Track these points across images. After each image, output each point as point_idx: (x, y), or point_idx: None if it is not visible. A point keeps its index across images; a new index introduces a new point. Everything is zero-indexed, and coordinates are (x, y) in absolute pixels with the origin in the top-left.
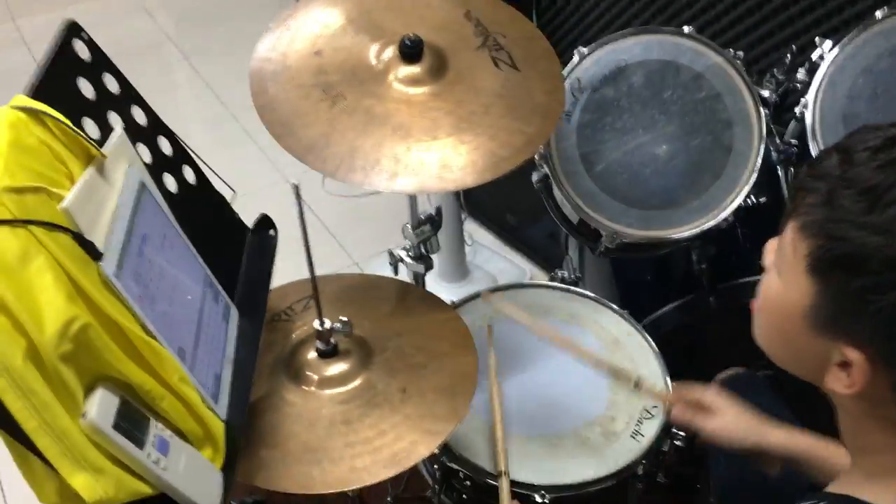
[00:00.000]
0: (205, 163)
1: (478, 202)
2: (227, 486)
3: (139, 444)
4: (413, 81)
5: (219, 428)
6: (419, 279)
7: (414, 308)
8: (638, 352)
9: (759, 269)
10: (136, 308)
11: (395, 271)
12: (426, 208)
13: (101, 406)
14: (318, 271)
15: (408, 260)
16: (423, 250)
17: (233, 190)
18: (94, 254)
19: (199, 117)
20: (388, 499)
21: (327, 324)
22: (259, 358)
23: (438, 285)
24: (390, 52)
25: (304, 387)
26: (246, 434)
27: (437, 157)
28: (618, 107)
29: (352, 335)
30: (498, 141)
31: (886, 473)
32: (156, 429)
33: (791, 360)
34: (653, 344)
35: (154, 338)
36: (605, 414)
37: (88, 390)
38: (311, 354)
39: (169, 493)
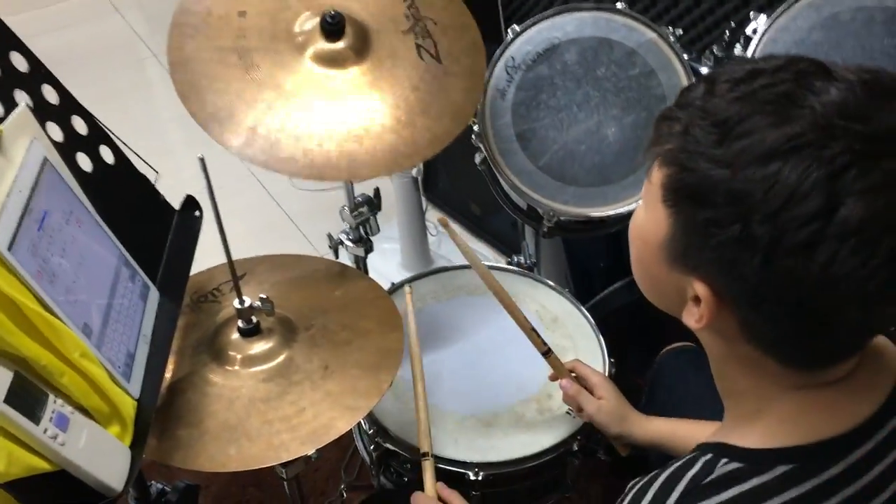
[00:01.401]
0: (125, 144)
1: (441, 191)
2: (134, 463)
3: (34, 419)
4: (330, 61)
5: (128, 405)
6: (360, 263)
7: (344, 287)
8: (577, 330)
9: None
10: (32, 283)
11: (336, 254)
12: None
13: None
14: None
15: (347, 243)
16: (362, 233)
17: (155, 171)
18: None
19: (170, 115)
20: (342, 486)
21: (248, 302)
22: (183, 339)
23: (402, 276)
24: (311, 24)
25: (226, 366)
26: (161, 413)
27: (336, 145)
28: (552, 84)
29: (274, 313)
30: (402, 138)
31: (752, 415)
32: (54, 405)
33: (655, 293)
34: (592, 322)
35: (53, 313)
36: (542, 391)
37: None
38: (234, 334)
39: (69, 470)
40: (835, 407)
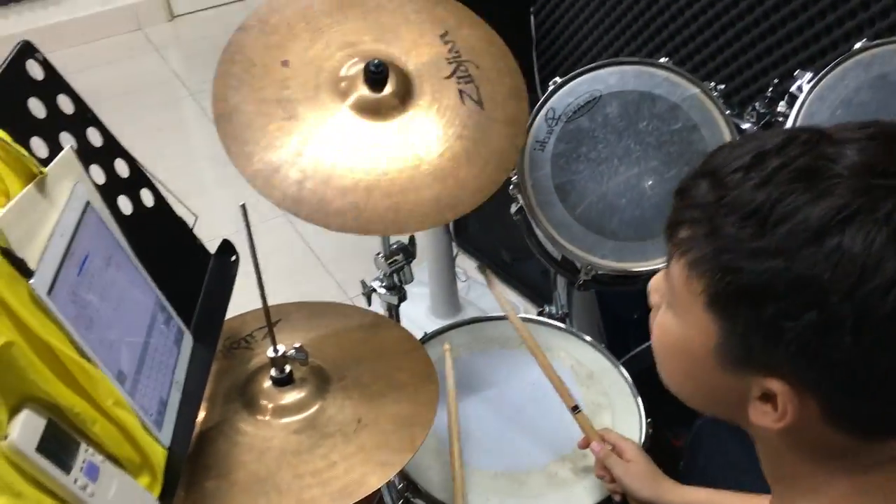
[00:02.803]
0: (165, 187)
1: (472, 238)
2: None
3: (65, 468)
4: (374, 111)
5: (159, 455)
6: (392, 310)
7: (378, 338)
8: (613, 387)
9: (647, 309)
10: (70, 328)
11: (369, 302)
12: (403, 239)
13: (24, 428)
14: None
15: (381, 290)
16: (395, 280)
17: (194, 215)
18: (24, 271)
19: (204, 154)
20: None
21: (282, 350)
22: (214, 385)
23: (431, 321)
24: (356, 70)
25: (257, 416)
26: (189, 462)
27: (383, 197)
28: (593, 137)
29: (308, 363)
30: (447, 188)
31: (804, 494)
32: (86, 454)
33: (705, 401)
34: (629, 379)
35: (89, 360)
36: (578, 451)
37: (13, 411)
38: (267, 383)
39: None
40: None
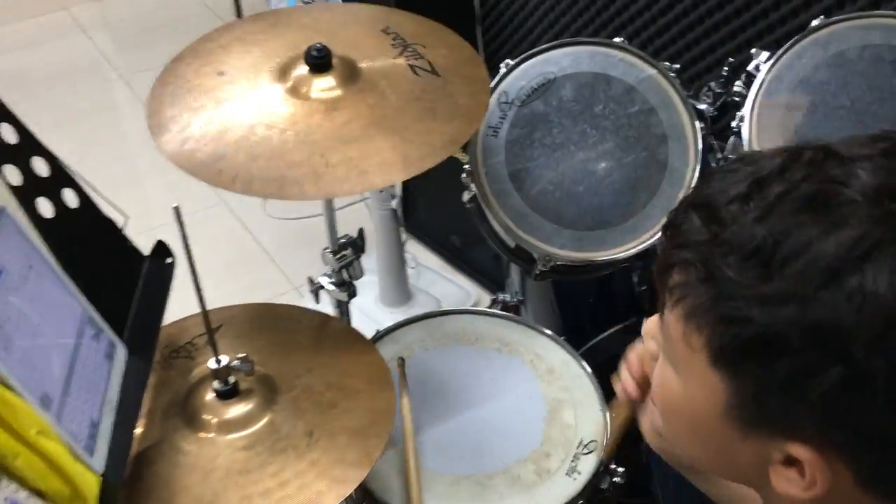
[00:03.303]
0: (92, 186)
1: (421, 224)
2: None
3: None
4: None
5: (91, 483)
6: (342, 307)
7: (328, 342)
8: (574, 381)
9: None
10: None
11: (317, 299)
12: (351, 230)
13: None
14: (258, 297)
15: (329, 287)
16: (345, 276)
17: (125, 215)
18: None
19: (137, 139)
20: None
21: (224, 361)
22: (153, 400)
23: (381, 310)
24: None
25: (200, 433)
26: (126, 488)
27: (345, 161)
28: (548, 121)
29: (254, 373)
30: (414, 142)
31: None
32: (7, 490)
33: (718, 466)
34: (590, 372)
35: (8, 386)
36: (540, 450)
37: None
38: (209, 395)
39: None
40: None
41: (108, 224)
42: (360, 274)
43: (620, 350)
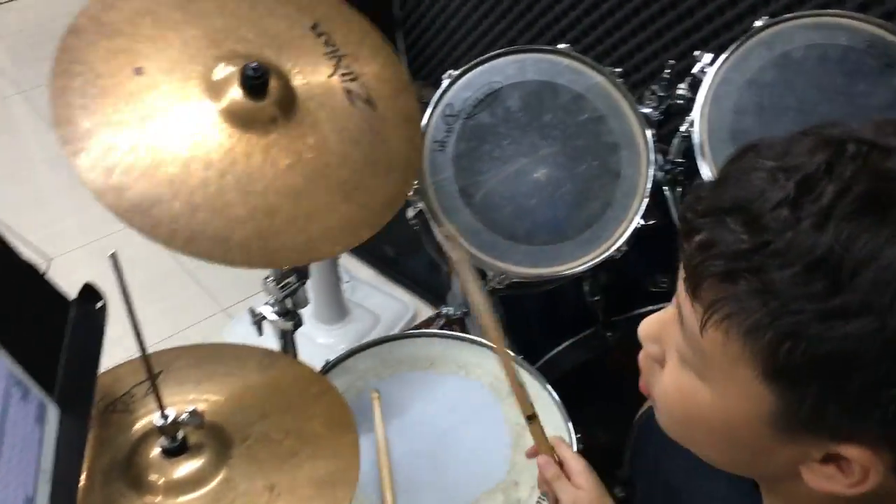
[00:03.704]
0: (9, 227)
1: None
2: None
3: None
4: (253, 122)
5: None
6: (287, 336)
7: (279, 381)
8: (536, 401)
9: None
10: None
11: (260, 331)
12: None
13: None
14: (184, 321)
15: (272, 317)
16: (288, 305)
17: (46, 258)
18: None
19: (41, 158)
20: None
21: (171, 415)
22: (91, 462)
23: (316, 328)
24: (230, 77)
25: (147, 496)
26: None
27: (286, 224)
28: (496, 133)
29: (204, 425)
30: (354, 203)
31: None
32: None
33: (740, 465)
34: (553, 392)
35: None
36: (508, 479)
37: None
38: (155, 452)
39: None
40: None
41: (27, 269)
42: (305, 302)
43: (575, 364)
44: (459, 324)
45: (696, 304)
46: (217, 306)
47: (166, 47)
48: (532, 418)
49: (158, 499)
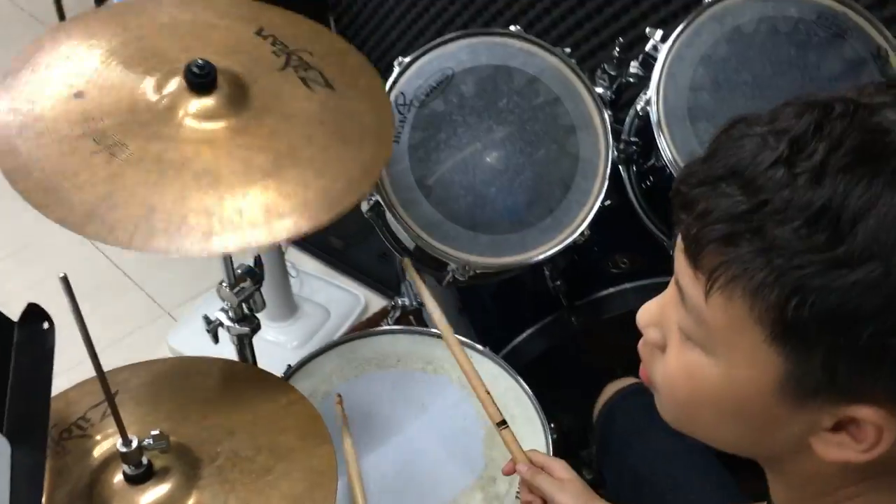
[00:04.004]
0: None
1: None
2: None
3: None
4: (209, 116)
5: None
6: (244, 340)
7: (244, 393)
8: (507, 395)
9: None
10: None
11: (215, 338)
12: (243, 259)
13: None
14: (127, 326)
15: (228, 323)
16: (245, 310)
17: None
18: None
19: None
20: None
21: (135, 442)
22: (49, 496)
23: (265, 326)
24: (175, 84)
25: None
26: None
27: (259, 204)
28: (451, 121)
29: (170, 448)
30: (329, 175)
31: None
32: None
33: (747, 445)
34: (522, 383)
35: None
36: (484, 475)
37: None
38: (118, 478)
39: None
40: None
41: None
42: (263, 306)
43: (541, 352)
44: (416, 315)
45: (699, 273)
46: (160, 309)
47: (106, 70)
48: (502, 424)
49: None
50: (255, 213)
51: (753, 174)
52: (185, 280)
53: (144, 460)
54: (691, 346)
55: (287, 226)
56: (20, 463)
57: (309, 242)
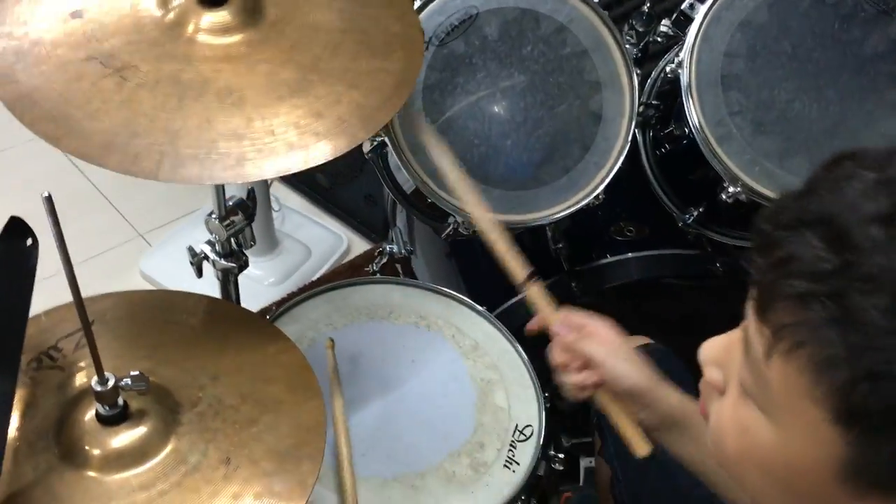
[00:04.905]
0: None
1: None
2: None
3: None
4: (224, 30)
5: None
6: (229, 275)
7: (230, 336)
8: (502, 358)
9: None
10: None
11: (199, 272)
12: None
13: None
14: (99, 246)
15: (215, 258)
16: (233, 245)
17: None
18: None
19: None
20: None
21: (112, 380)
22: (19, 426)
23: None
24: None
25: (83, 471)
26: None
27: (290, 123)
28: (470, 64)
29: (149, 390)
30: (362, 88)
31: None
32: None
33: None
34: (518, 346)
35: None
36: (473, 440)
37: None
38: (89, 416)
39: None
40: None
41: None
42: (253, 242)
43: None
44: (404, 263)
45: (765, 327)
46: (134, 231)
47: None
48: (532, 276)
49: (95, 473)
50: (289, 134)
51: (847, 227)
52: (162, 203)
53: (120, 401)
54: (749, 400)
55: (323, 147)
56: None
57: (294, 177)
